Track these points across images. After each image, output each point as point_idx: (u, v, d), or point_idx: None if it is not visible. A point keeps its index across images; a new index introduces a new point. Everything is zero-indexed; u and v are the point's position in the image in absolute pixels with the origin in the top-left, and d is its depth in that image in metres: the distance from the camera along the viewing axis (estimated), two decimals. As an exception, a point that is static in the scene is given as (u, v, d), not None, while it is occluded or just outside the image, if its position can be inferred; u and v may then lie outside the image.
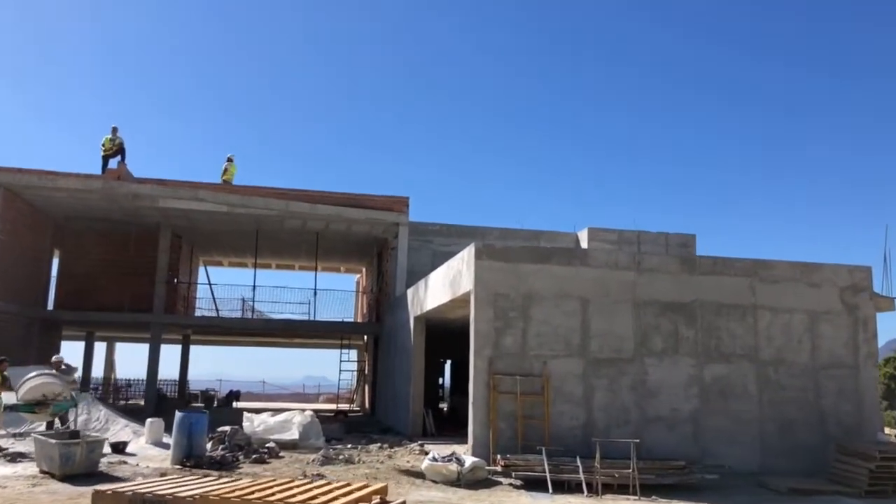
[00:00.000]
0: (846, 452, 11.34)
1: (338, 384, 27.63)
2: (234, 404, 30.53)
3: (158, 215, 22.70)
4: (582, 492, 10.17)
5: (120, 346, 37.89)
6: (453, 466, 10.72)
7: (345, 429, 18.97)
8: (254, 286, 24.48)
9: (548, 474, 10.44)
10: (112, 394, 30.71)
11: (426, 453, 13.02)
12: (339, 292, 27.60)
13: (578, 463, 10.66)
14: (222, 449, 12.59)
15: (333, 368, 27.72)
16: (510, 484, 10.73)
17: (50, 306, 24.10)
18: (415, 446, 15.18)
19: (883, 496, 10.46)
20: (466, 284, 12.86)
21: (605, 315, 12.58)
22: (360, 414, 28.71)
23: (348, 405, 33.06)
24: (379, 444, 15.47)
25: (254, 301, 25.31)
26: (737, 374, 12.75)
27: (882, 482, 10.57)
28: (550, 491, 10.15)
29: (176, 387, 32.03)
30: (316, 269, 26.83)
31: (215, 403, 31.48)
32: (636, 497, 9.99)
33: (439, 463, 10.92)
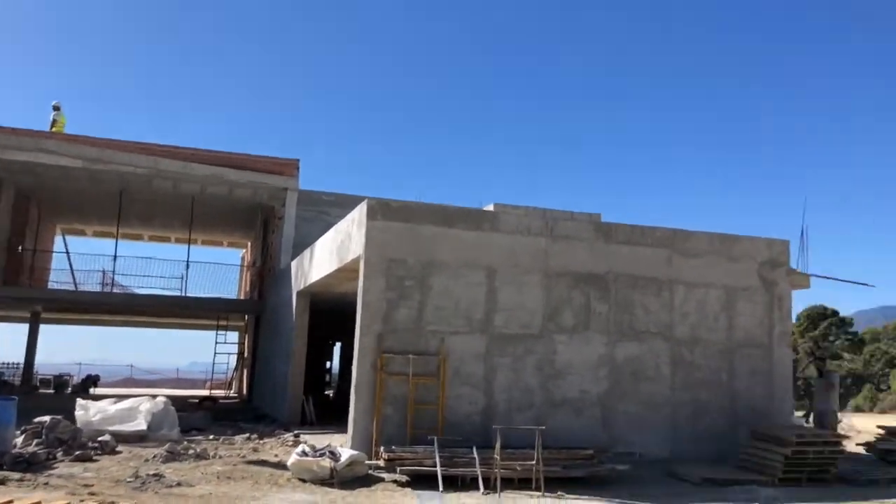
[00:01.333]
0: (760, 437, 10.36)
1: (212, 368, 25.06)
2: (92, 391, 27.37)
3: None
4: (478, 488, 8.58)
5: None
6: (326, 462, 8.87)
7: (211, 417, 16.77)
8: (115, 256, 21.49)
9: (439, 469, 8.77)
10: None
11: (304, 444, 11.14)
12: (218, 266, 24.86)
13: (475, 454, 9.06)
14: (37, 444, 10.17)
15: (222, 353, 25.06)
16: (394, 481, 9.01)
17: None
18: (289, 437, 13.31)
19: (797, 483, 9.50)
20: (356, 249, 10.98)
21: (513, 287, 11.04)
22: (236, 401, 26.36)
23: (224, 391, 30.55)
24: (247, 435, 13.52)
25: (114, 273, 22.28)
26: (650, 353, 11.55)
27: (797, 469, 9.62)
28: (441, 489, 8.49)
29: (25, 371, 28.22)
30: (189, 239, 24.03)
31: (69, 389, 28.19)
32: (540, 493, 8.50)
33: (309, 458, 9.04)
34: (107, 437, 11.17)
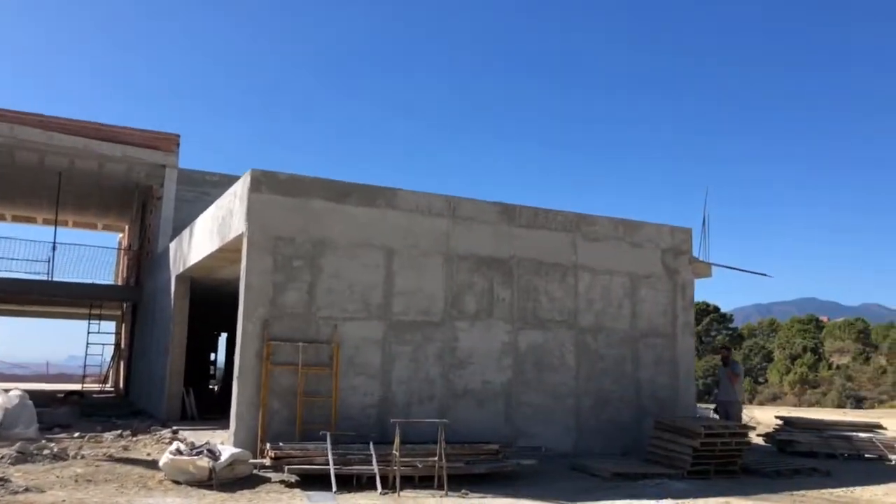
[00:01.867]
0: (666, 429, 10.13)
1: (84, 361, 22.97)
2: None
3: None
4: (375, 487, 7.86)
5: None
6: (204, 462, 7.89)
7: (80, 413, 15.22)
8: (-33, 235, 19.13)
9: (332, 467, 7.98)
10: None
11: (181, 441, 10.05)
12: (90, 250, 22.65)
13: (372, 451, 8.34)
14: None
15: (96, 343, 22.91)
16: (282, 481, 8.15)
17: None
18: (166, 433, 12.12)
19: (706, 476, 9.34)
20: (238, 226, 9.96)
21: (412, 270, 10.35)
22: (112, 395, 24.40)
23: (100, 386, 28.34)
24: (119, 432, 12.22)
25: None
26: (554, 341, 11.18)
27: (705, 461, 9.45)
28: (335, 489, 7.71)
29: None
30: (56, 219, 21.82)
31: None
32: (443, 492, 7.88)
33: (184, 457, 8.02)
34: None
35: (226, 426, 10.72)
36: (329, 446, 8.26)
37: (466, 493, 7.83)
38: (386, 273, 10.19)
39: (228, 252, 11.26)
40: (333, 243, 9.94)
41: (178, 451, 8.19)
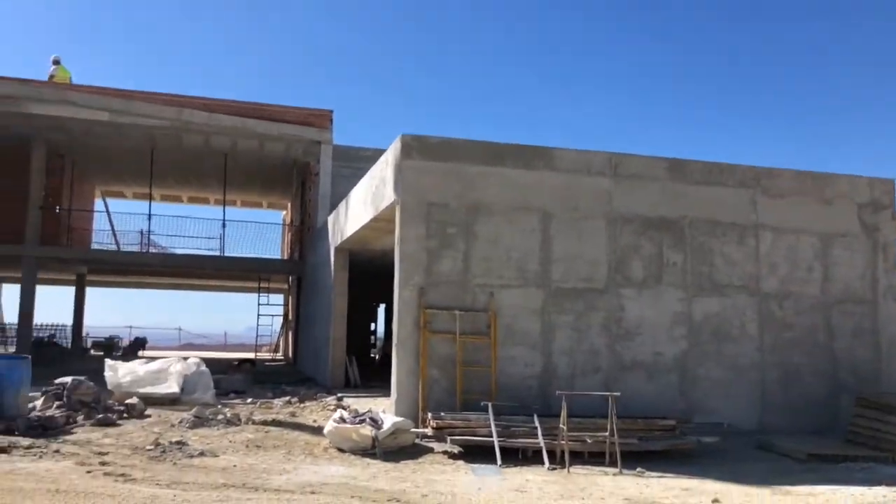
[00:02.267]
0: (872, 406, 8.87)
1: (256, 330, 24.43)
2: (140, 353, 27.23)
3: (27, 126, 18.67)
4: (542, 462, 7.41)
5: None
6: (366, 430, 7.80)
7: (251, 380, 16.00)
8: (149, 215, 20.76)
9: (496, 439, 7.62)
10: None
11: (345, 409, 10.17)
12: (258, 227, 23.95)
13: (537, 423, 7.89)
14: (58, 407, 9.38)
15: (266, 314, 24.28)
16: (445, 452, 7.90)
17: None
18: (331, 400, 12.39)
19: (922, 462, 8.02)
20: (391, 194, 9.78)
21: (571, 234, 9.72)
22: (282, 363, 25.83)
23: (271, 354, 30.19)
24: (287, 398, 12.64)
25: (150, 233, 21.64)
26: (733, 309, 10.12)
27: (922, 445, 8.12)
28: (500, 462, 7.34)
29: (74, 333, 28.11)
30: (224, 198, 23.15)
31: (119, 352, 28.18)
32: (616, 469, 7.27)
33: (347, 426, 7.98)
34: (134, 400, 10.36)
35: (387, 394, 10.72)
36: (492, 417, 7.91)
37: (643, 472, 7.18)
38: (542, 238, 9.62)
39: (382, 222, 11.18)
40: (488, 208, 9.51)
41: (342, 419, 8.18)
